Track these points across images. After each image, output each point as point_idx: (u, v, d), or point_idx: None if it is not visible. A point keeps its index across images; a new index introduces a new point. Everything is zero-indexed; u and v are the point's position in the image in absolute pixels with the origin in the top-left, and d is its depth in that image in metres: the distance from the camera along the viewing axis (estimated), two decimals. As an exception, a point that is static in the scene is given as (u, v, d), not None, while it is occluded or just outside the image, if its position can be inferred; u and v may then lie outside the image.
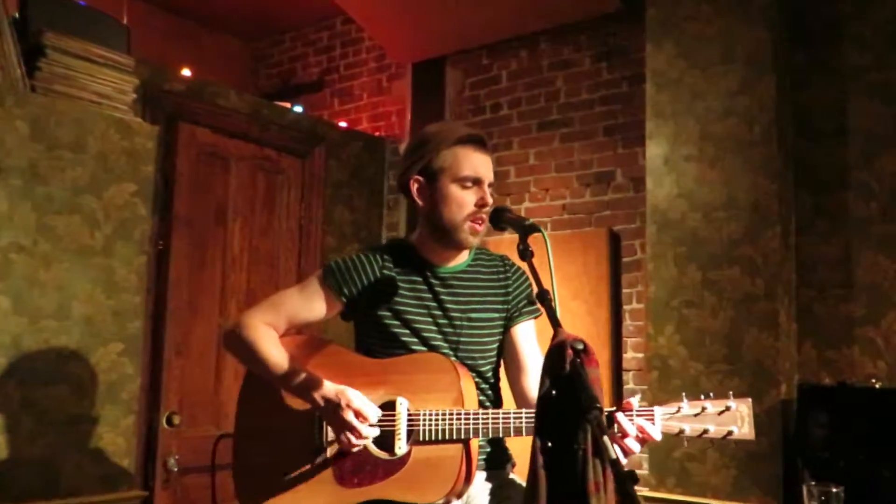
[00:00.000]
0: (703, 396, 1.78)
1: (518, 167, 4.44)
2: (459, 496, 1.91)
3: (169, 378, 3.68)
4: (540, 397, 1.38)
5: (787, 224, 3.28)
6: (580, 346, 1.38)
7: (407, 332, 2.01)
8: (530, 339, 2.15)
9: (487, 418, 1.87)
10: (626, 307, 3.97)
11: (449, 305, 2.04)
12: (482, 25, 4.43)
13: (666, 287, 3.41)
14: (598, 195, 4.13)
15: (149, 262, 3.39)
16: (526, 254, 1.75)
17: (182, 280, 3.78)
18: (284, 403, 2.02)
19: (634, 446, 1.70)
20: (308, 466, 1.96)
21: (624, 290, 3.98)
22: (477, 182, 2.00)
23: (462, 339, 2.04)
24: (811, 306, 3.32)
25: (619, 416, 1.76)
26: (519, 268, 2.19)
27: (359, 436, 1.87)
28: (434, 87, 4.84)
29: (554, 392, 1.36)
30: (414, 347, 2.00)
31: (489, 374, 2.10)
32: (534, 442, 1.38)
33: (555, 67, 4.37)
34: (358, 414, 1.87)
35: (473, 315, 2.06)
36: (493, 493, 2.01)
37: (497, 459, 2.08)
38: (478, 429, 1.87)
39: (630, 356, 3.94)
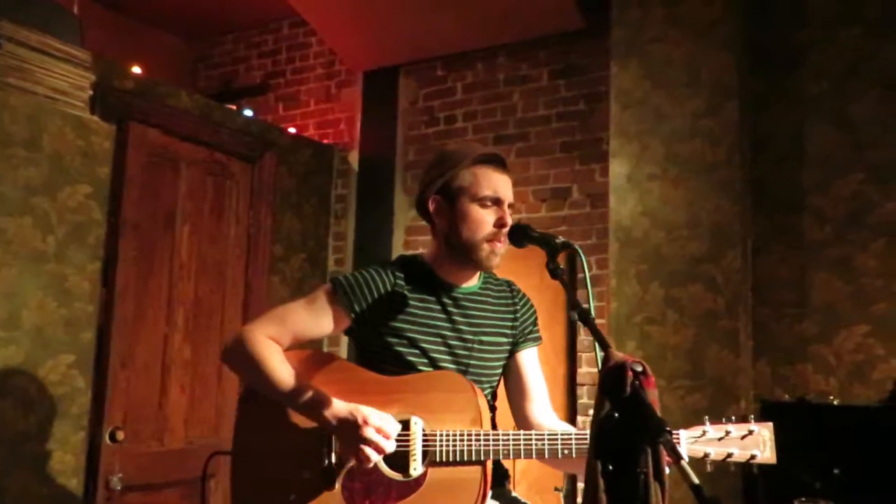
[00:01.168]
0: (724, 420, 1.81)
1: (473, 180, 4.42)
2: (473, 517, 1.87)
3: (114, 392, 3.47)
4: (599, 420, 1.36)
5: (746, 244, 3.39)
6: (639, 369, 1.37)
7: (416, 351, 1.96)
8: (535, 366, 2.14)
9: (508, 439, 1.84)
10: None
11: (461, 327, 2.00)
12: (439, 36, 4.41)
13: (628, 303, 3.47)
14: (554, 210, 4.17)
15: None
16: (557, 272, 1.74)
17: (129, 288, 3.59)
18: (289, 422, 1.93)
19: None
20: (316, 488, 1.88)
21: (580, 306, 4.02)
22: (497, 202, 1.98)
23: (472, 361, 2.00)
24: (766, 324, 3.44)
25: None
26: (525, 294, 2.19)
27: (381, 451, 1.80)
28: (386, 96, 4.78)
29: (616, 415, 1.34)
30: (421, 368, 1.95)
31: (489, 398, 2.08)
32: (591, 465, 1.36)
33: (512, 82, 4.39)
34: (379, 430, 1.80)
35: (484, 338, 2.03)
36: (501, 507, 1.98)
37: (499, 476, 2.05)
38: (498, 450, 1.83)
39: (584, 370, 3.98)
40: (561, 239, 1.79)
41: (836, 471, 2.58)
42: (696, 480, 1.17)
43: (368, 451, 1.79)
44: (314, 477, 1.88)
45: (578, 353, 4.03)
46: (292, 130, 4.79)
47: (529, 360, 2.13)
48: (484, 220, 1.95)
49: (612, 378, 1.37)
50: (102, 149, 3.04)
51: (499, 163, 2.01)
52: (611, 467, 1.34)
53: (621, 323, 3.47)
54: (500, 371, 2.08)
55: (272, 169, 4.40)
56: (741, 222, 3.32)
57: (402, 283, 1.99)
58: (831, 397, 3.07)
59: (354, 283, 1.97)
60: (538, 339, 2.16)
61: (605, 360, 1.44)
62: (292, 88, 5.20)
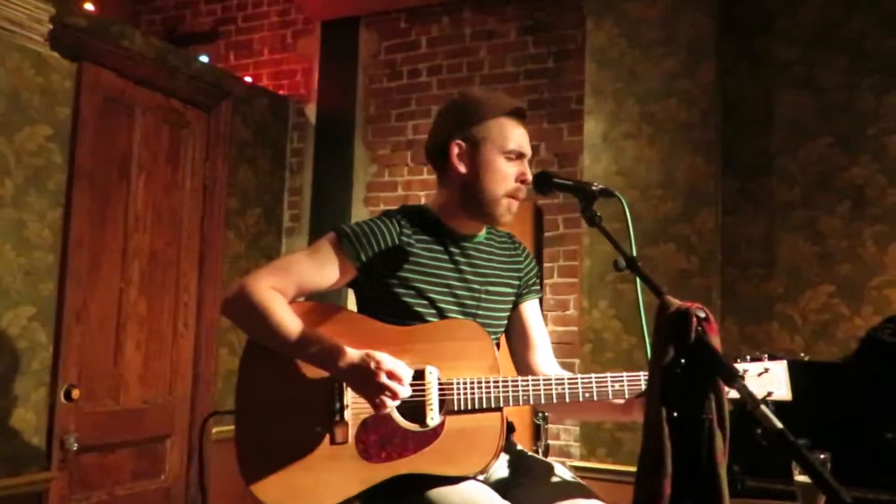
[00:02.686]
0: (739, 360, 1.83)
1: (437, 136, 4.35)
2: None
3: (68, 348, 3.30)
4: (664, 366, 1.34)
5: (718, 205, 3.44)
6: (702, 315, 1.36)
7: (423, 302, 1.90)
8: (537, 317, 2.13)
9: (528, 385, 1.81)
10: (547, 281, 4.02)
11: (469, 277, 1.96)
12: (405, -13, 4.29)
13: (601, 261, 3.49)
14: (520, 169, 4.13)
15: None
16: (595, 219, 1.71)
17: (84, 239, 3.39)
18: (296, 374, 1.84)
19: None
20: (327, 441, 1.81)
21: (545, 265, 4.03)
22: (520, 157, 1.94)
23: (480, 311, 1.96)
24: (734, 284, 3.51)
25: None
26: (525, 246, 2.17)
27: (395, 397, 1.75)
28: (346, 47, 4.64)
29: (682, 361, 1.33)
30: (429, 319, 1.90)
31: None
32: (654, 412, 1.34)
33: (478, 37, 4.31)
34: (392, 375, 1.75)
35: (491, 288, 2.00)
36: (511, 464, 1.96)
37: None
38: (518, 396, 1.81)
39: (550, 329, 3.99)
40: (598, 184, 1.75)
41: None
42: (779, 425, 1.16)
43: (384, 397, 1.73)
44: (325, 431, 1.81)
45: (545, 313, 4.04)
46: (248, 80, 4.60)
47: (533, 310, 2.11)
48: (508, 173, 1.91)
49: (676, 324, 1.36)
50: (63, 88, 2.84)
51: (523, 116, 1.98)
52: (675, 414, 1.32)
53: (594, 282, 3.49)
54: (505, 322, 2.06)
55: (228, 119, 4.22)
56: (715, 183, 3.37)
57: (409, 232, 1.92)
58: (802, 354, 3.17)
59: (360, 232, 1.89)
60: (540, 290, 2.16)
61: (662, 306, 1.42)
62: (244, 36, 4.99)
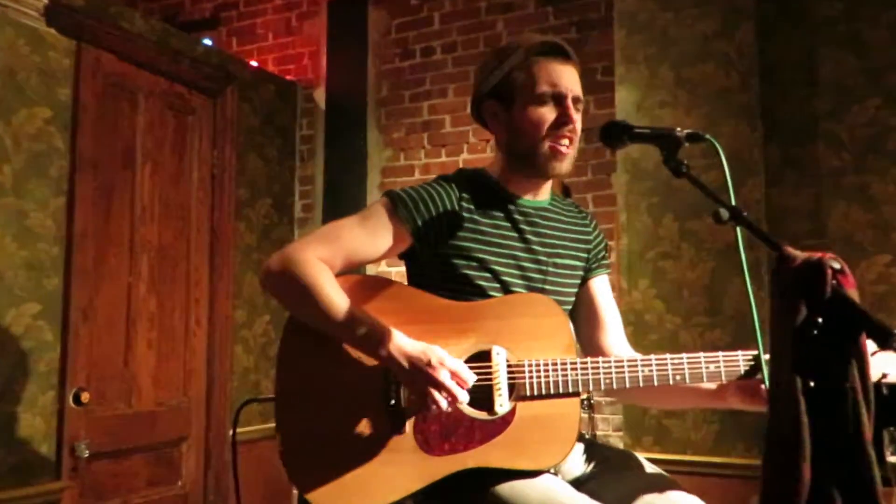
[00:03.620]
0: None
1: (455, 116, 4.15)
2: (561, 460, 1.64)
3: (76, 348, 3.08)
4: (797, 328, 1.13)
5: (764, 172, 3.23)
6: (837, 266, 1.15)
7: (486, 275, 1.69)
8: (607, 294, 1.93)
9: (610, 367, 1.61)
10: (577, 263, 3.81)
11: (535, 247, 1.75)
12: (416, -39, 4.08)
13: (640, 239, 3.28)
14: (544, 147, 3.92)
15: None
16: (680, 169, 1.51)
17: (88, 232, 3.18)
18: (345, 357, 1.63)
19: None
20: (383, 433, 1.60)
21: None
22: (557, 98, 1.71)
23: (547, 286, 1.76)
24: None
25: None
26: (593, 216, 1.96)
27: (455, 400, 1.54)
28: (354, 28, 4.42)
29: (819, 320, 1.12)
30: (492, 294, 1.69)
31: None
32: (785, 383, 1.13)
33: (495, 10, 4.11)
34: (454, 375, 1.54)
35: (559, 260, 1.79)
36: (584, 455, 1.75)
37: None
38: (599, 380, 1.61)
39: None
40: (683, 130, 1.53)
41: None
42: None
43: (439, 397, 1.53)
44: (379, 420, 1.61)
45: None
46: (254, 64, 4.38)
47: (603, 287, 1.91)
48: (541, 118, 1.69)
49: (807, 277, 1.15)
50: (62, 67, 2.63)
51: (559, 52, 1.75)
52: (812, 384, 1.12)
53: (633, 259, 3.28)
54: (573, 299, 1.85)
55: (234, 105, 4.01)
56: (759, 151, 3.16)
57: (468, 197, 1.72)
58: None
59: (417, 197, 1.69)
60: (609, 266, 1.96)
61: (784, 259, 1.22)
62: (247, 21, 4.77)
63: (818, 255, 1.16)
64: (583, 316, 1.88)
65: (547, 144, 1.69)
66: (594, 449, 1.77)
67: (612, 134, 1.61)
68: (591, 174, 3.79)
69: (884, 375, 1.58)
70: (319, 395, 1.64)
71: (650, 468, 1.72)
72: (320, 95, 4.48)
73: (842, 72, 3.28)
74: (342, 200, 4.33)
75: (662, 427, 3.18)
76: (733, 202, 1.40)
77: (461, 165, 4.10)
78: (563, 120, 1.70)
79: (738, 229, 1.38)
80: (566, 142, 1.71)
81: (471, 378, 1.56)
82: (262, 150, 4.25)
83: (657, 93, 3.30)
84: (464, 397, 1.55)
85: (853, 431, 1.11)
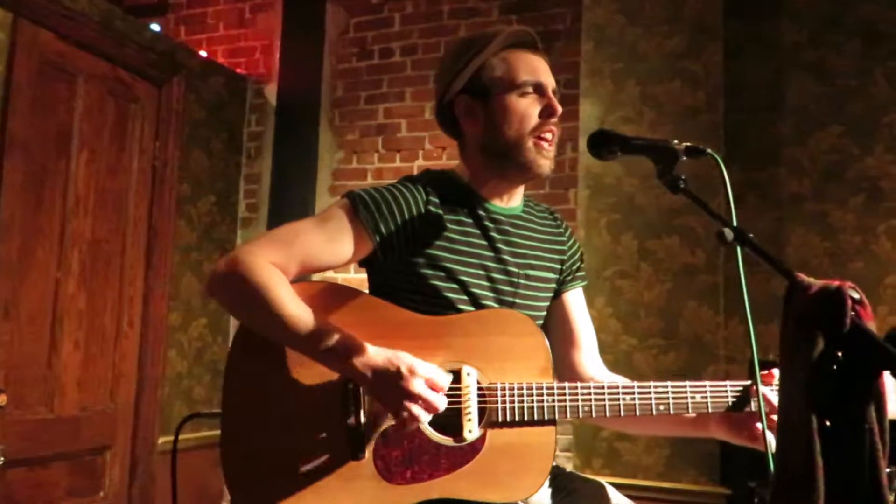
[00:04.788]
0: None
1: (411, 121, 4.03)
2: (530, 491, 1.52)
3: (-5, 346, 2.85)
4: (814, 362, 1.04)
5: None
6: (856, 296, 1.06)
7: (454, 286, 1.56)
8: (582, 308, 1.80)
9: (589, 394, 1.50)
10: (531, 278, 3.72)
11: (505, 257, 1.62)
12: (379, -41, 3.96)
13: (598, 256, 3.21)
14: (503, 157, 3.83)
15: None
16: (677, 184, 1.40)
17: (14, 221, 2.95)
18: (300, 371, 1.48)
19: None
20: (338, 458, 1.45)
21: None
22: (539, 89, 1.59)
23: (517, 300, 1.63)
24: (739, 281, 3.27)
25: (766, 390, 1.49)
26: (567, 224, 1.85)
27: (432, 410, 1.40)
28: (311, 23, 4.25)
29: (839, 355, 1.03)
30: (461, 307, 1.56)
31: None
32: (799, 421, 1.04)
33: (458, 15, 4.01)
34: (429, 383, 1.40)
35: (531, 272, 1.66)
36: (553, 484, 1.64)
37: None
38: (576, 407, 1.49)
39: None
40: (681, 143, 1.43)
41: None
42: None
43: (416, 409, 1.38)
44: (336, 442, 1.46)
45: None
46: (204, 54, 4.18)
47: (577, 301, 1.78)
48: (526, 111, 1.57)
49: (825, 307, 1.06)
50: (-5, 40, 2.41)
51: (532, 44, 1.64)
52: (828, 423, 1.02)
53: (590, 278, 3.18)
54: (544, 313, 1.73)
55: (181, 95, 3.81)
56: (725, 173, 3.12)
57: (437, 201, 1.57)
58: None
59: (380, 199, 1.54)
60: (585, 278, 1.82)
61: (797, 286, 1.13)
62: (197, 10, 4.57)
63: (836, 283, 1.07)
64: (555, 331, 1.76)
65: (531, 139, 1.57)
66: (562, 478, 1.66)
67: (600, 143, 1.50)
68: (549, 188, 3.70)
69: None
70: (270, 412, 1.48)
71: (622, 500, 1.61)
72: (271, 91, 4.30)
73: (806, 97, 3.28)
74: (290, 201, 4.15)
75: (613, 450, 3.11)
76: (734, 222, 1.30)
77: (416, 172, 3.97)
78: (547, 111, 1.59)
79: (739, 251, 1.28)
80: (549, 136, 1.60)
81: (446, 383, 1.43)
82: (207, 144, 4.05)
83: (622, 108, 3.25)
84: (442, 405, 1.41)
85: (870, 477, 1.02)
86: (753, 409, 1.51)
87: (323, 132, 4.19)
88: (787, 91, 3.31)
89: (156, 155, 3.68)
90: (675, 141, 1.42)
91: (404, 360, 1.41)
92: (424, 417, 1.40)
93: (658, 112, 3.18)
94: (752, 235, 1.26)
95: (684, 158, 1.40)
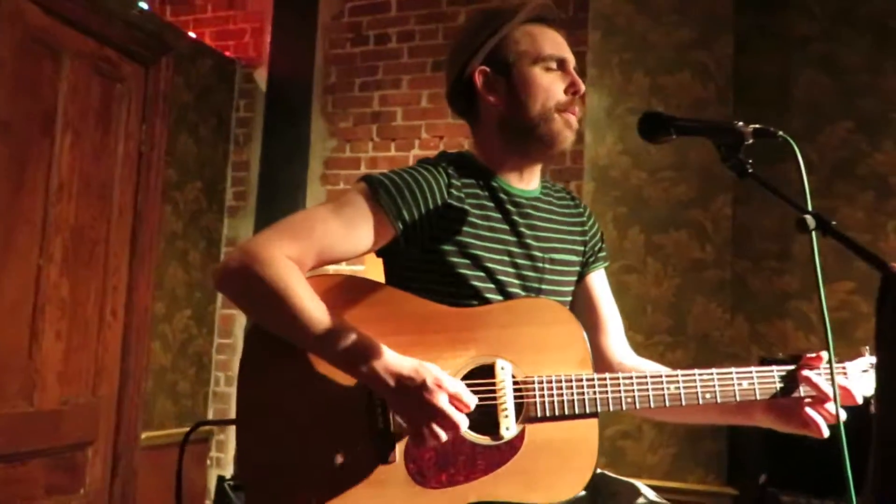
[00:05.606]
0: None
1: (407, 109, 3.92)
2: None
3: (-27, 335, 2.69)
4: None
5: (735, 189, 3.14)
6: (959, 287, 0.98)
7: (481, 273, 1.46)
8: (606, 291, 1.72)
9: (631, 384, 1.42)
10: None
11: (529, 241, 1.53)
12: (376, -59, 3.84)
13: (605, 250, 3.12)
14: (502, 148, 3.74)
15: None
16: (744, 168, 1.32)
17: (-5, 204, 2.80)
18: (321, 373, 1.37)
19: (842, 413, 1.36)
20: (367, 462, 1.35)
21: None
22: (562, 65, 1.53)
23: (543, 286, 1.54)
24: (745, 278, 3.21)
25: (812, 374, 1.43)
26: (585, 202, 1.76)
27: (454, 428, 1.31)
28: (303, 7, 4.13)
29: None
30: (487, 295, 1.47)
31: None
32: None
33: (457, 1, 3.89)
34: (455, 398, 1.31)
35: (556, 256, 1.57)
36: (590, 486, 1.54)
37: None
38: (619, 399, 1.42)
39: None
40: (746, 125, 1.34)
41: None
42: None
43: (437, 427, 1.29)
44: (363, 447, 1.35)
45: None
46: (193, 35, 4.04)
47: (601, 283, 1.71)
48: (552, 84, 1.50)
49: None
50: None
51: (554, 20, 1.59)
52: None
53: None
54: (569, 299, 1.64)
55: (169, 77, 3.66)
56: (731, 166, 3.06)
57: (458, 185, 1.48)
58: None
59: (401, 183, 1.44)
60: (607, 258, 1.74)
61: (892, 279, 1.04)
62: (184, -10, 4.41)
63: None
64: (581, 316, 1.64)
65: (559, 115, 1.49)
66: (599, 479, 1.57)
67: (652, 127, 1.41)
68: (551, 180, 3.62)
69: None
70: (290, 417, 1.36)
71: (659, 501, 1.53)
72: (261, 76, 4.17)
73: (816, 92, 3.23)
74: (279, 190, 4.03)
75: (617, 448, 3.03)
76: (810, 209, 1.21)
77: (411, 161, 3.86)
78: (573, 88, 1.52)
79: (815, 240, 1.19)
80: (575, 112, 1.52)
81: (473, 402, 1.33)
82: (195, 129, 3.91)
83: (630, 99, 3.17)
84: (464, 424, 1.32)
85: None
86: (802, 394, 1.44)
87: (315, 119, 4.07)
88: (796, 85, 3.25)
89: (142, 139, 3.53)
90: (738, 122, 1.33)
91: (432, 371, 1.31)
92: (443, 437, 1.30)
93: (667, 104, 3.10)
94: (835, 223, 1.17)
95: (751, 141, 1.31)
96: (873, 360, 1.49)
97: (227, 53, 4.22)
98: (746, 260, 3.22)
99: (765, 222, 3.22)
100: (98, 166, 3.31)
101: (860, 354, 1.50)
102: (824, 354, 1.44)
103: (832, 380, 1.26)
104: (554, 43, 1.53)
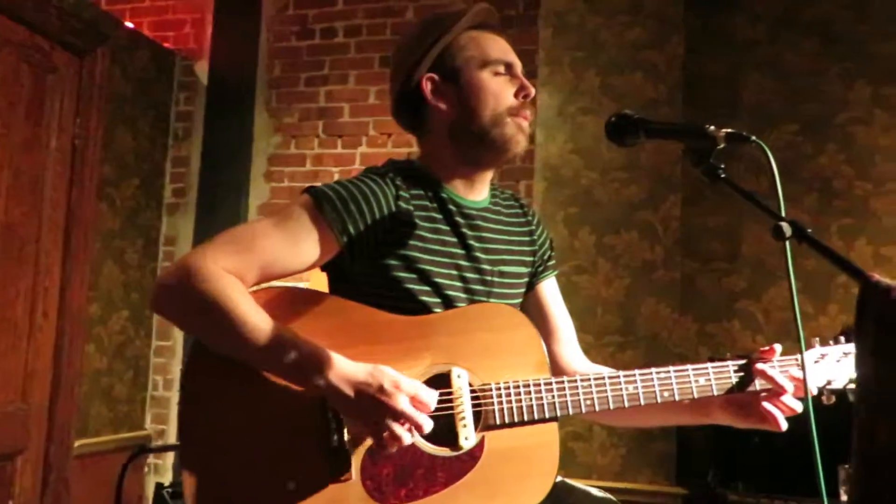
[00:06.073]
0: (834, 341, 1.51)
1: (354, 106, 3.84)
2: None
3: None
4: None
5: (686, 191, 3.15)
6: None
7: (428, 288, 1.42)
8: (557, 298, 1.69)
9: (590, 386, 1.40)
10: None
11: (478, 254, 1.49)
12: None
13: (555, 250, 3.10)
14: (451, 146, 3.69)
15: None
16: (716, 172, 1.29)
17: (-84, 200, 2.63)
18: (269, 390, 1.29)
19: (796, 405, 1.41)
20: (322, 481, 1.28)
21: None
22: (510, 69, 1.50)
23: (492, 299, 1.50)
24: (694, 279, 3.23)
25: (767, 368, 1.42)
26: (535, 210, 1.73)
27: (418, 428, 1.26)
28: (247, -2, 4.02)
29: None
30: (435, 310, 1.42)
31: None
32: (882, 440, 0.93)
33: (406, -5, 3.83)
34: (415, 400, 1.26)
35: (505, 268, 1.53)
36: (551, 498, 1.50)
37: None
38: (578, 402, 1.39)
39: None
40: (720, 128, 1.31)
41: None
42: None
43: (399, 429, 1.24)
44: (318, 465, 1.29)
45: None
46: (130, 25, 3.88)
47: (551, 291, 1.68)
48: (502, 89, 1.47)
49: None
50: None
51: (497, 26, 1.56)
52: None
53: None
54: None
55: (105, 68, 3.50)
56: (679, 166, 3.07)
57: (406, 196, 1.43)
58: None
59: (346, 195, 1.38)
60: (556, 266, 1.73)
61: (874, 288, 1.01)
62: (120, -23, 4.24)
63: (918, 282, 0.97)
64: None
65: (511, 119, 1.46)
66: (561, 490, 1.53)
67: (622, 129, 1.37)
68: (498, 181, 3.58)
69: (828, 382, 1.46)
70: (238, 442, 1.28)
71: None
72: (202, 69, 4.04)
73: (762, 95, 3.27)
74: (221, 187, 3.91)
75: (568, 450, 3.01)
76: (783, 215, 1.19)
77: (359, 159, 3.80)
78: (523, 92, 1.48)
79: (788, 246, 1.17)
80: (527, 116, 1.49)
81: (433, 400, 1.28)
82: (132, 123, 3.76)
83: (581, 98, 3.16)
84: (428, 425, 1.26)
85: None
86: (758, 387, 1.43)
87: (258, 114, 3.95)
88: (743, 88, 3.28)
89: (76, 132, 3.37)
90: (710, 126, 1.30)
91: (387, 374, 1.26)
92: (407, 439, 1.25)
93: (618, 103, 3.09)
94: (811, 231, 1.15)
95: (723, 146, 1.29)
96: (824, 350, 1.49)
97: (167, 45, 4.07)
98: (695, 260, 3.24)
99: (713, 223, 3.24)
100: (29, 160, 3.14)
101: (811, 346, 1.50)
102: (777, 347, 1.44)
103: (804, 376, 1.24)
104: (500, 47, 1.50)
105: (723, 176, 1.27)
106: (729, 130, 1.28)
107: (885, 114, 3.12)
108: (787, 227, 1.15)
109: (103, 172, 3.53)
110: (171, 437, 3.74)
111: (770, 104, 3.24)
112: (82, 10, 3.38)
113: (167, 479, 3.71)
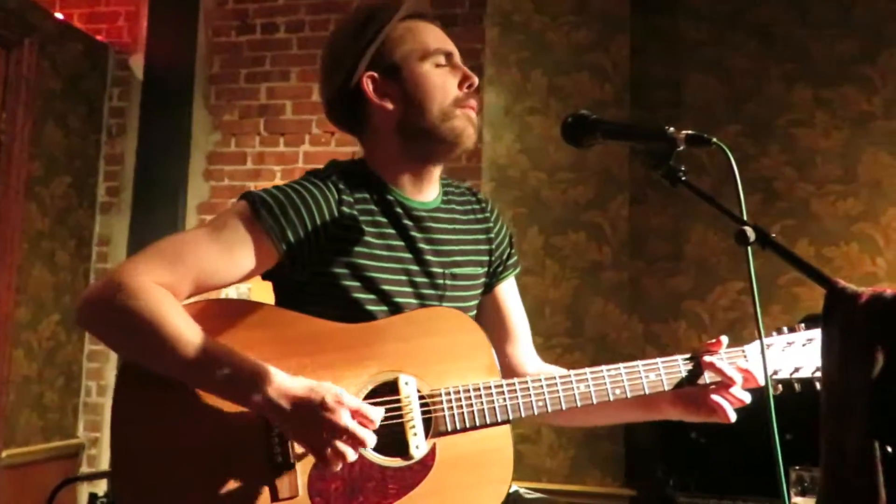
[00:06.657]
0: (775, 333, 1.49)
1: (297, 103, 3.75)
2: None
3: None
4: (874, 381, 0.90)
5: (633, 191, 3.15)
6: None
7: (374, 297, 1.36)
8: (516, 299, 1.64)
9: (541, 387, 1.36)
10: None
11: (428, 258, 1.42)
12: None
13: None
14: (396, 145, 3.64)
15: None
16: (676, 174, 1.26)
17: None
18: (206, 408, 1.22)
19: (745, 397, 1.40)
20: (267, 499, 1.21)
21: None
22: (450, 59, 1.43)
23: (444, 303, 1.44)
24: (640, 279, 3.23)
25: (715, 360, 1.40)
26: (493, 204, 1.67)
27: (361, 445, 1.19)
28: (184, -9, 3.89)
29: None
30: (383, 318, 1.36)
31: None
32: (859, 446, 0.90)
33: (350, -8, 3.76)
34: (358, 414, 1.20)
35: (458, 270, 1.47)
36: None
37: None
38: (529, 403, 1.35)
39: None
40: (680, 130, 1.28)
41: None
42: None
43: (342, 445, 1.17)
44: (262, 484, 1.21)
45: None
46: (60, 17, 3.72)
47: (510, 292, 1.62)
48: (446, 81, 1.40)
49: (883, 319, 0.93)
50: None
51: (429, 16, 1.49)
52: (890, 449, 0.90)
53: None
54: (474, 312, 1.54)
55: (33, 61, 3.35)
56: (630, 167, 3.07)
57: (350, 200, 1.37)
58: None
59: (285, 201, 1.31)
60: (517, 264, 1.64)
61: (840, 295, 0.99)
62: (50, -33, 4.07)
63: (887, 290, 0.95)
64: (488, 327, 1.56)
65: (459, 110, 1.39)
66: (515, 501, 1.48)
67: (579, 129, 1.33)
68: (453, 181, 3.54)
69: (796, 369, 1.45)
70: (176, 463, 1.20)
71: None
72: (137, 63, 3.89)
73: (706, 96, 3.29)
74: (157, 186, 3.77)
75: (516, 453, 2.95)
76: (745, 218, 1.17)
77: (301, 157, 3.72)
78: (467, 82, 1.42)
79: (750, 251, 1.14)
80: (474, 107, 1.43)
81: (378, 416, 1.22)
82: (62, 118, 3.60)
83: (528, 98, 3.13)
84: (371, 440, 1.20)
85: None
86: (707, 380, 1.41)
87: (197, 111, 3.83)
88: (687, 88, 3.31)
89: (2, 128, 3.21)
90: (670, 127, 1.27)
91: (329, 389, 1.19)
92: (351, 456, 1.19)
93: (565, 104, 3.08)
94: (774, 236, 1.12)
95: (682, 148, 1.25)
96: (790, 338, 1.48)
97: (99, 38, 3.92)
98: (641, 261, 3.24)
99: (658, 223, 3.25)
100: (-51, 157, 2.98)
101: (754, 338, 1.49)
102: (724, 339, 1.43)
103: (765, 372, 1.20)
104: (437, 37, 1.44)
105: (683, 179, 1.24)
106: (689, 132, 1.25)
107: (826, 116, 3.18)
108: (750, 232, 1.11)
109: (32, 170, 3.37)
110: (105, 445, 3.59)
111: (714, 105, 3.27)
112: (8, 0, 3.23)
113: (101, 489, 3.56)
